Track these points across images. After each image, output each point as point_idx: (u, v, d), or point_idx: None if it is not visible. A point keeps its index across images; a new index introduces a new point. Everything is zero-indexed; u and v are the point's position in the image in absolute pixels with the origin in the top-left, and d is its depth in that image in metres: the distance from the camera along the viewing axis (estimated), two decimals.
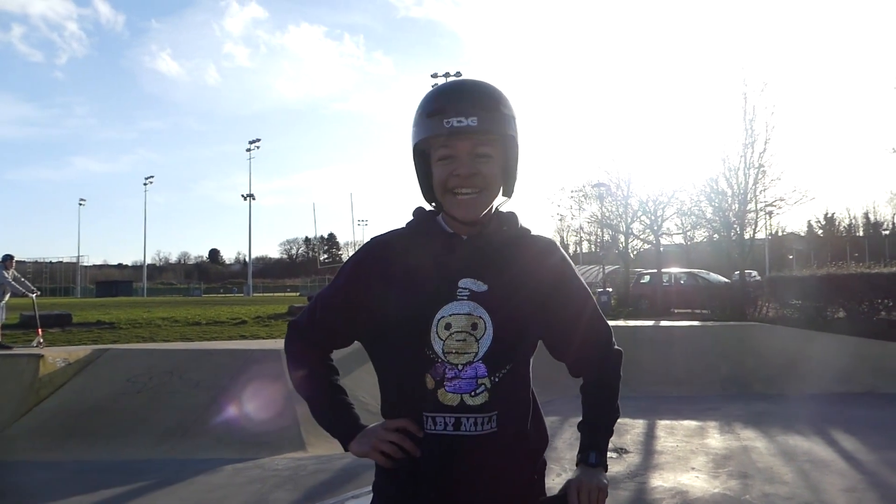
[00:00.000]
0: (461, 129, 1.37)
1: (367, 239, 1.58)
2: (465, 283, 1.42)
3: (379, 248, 1.49)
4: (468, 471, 1.36)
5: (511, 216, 1.51)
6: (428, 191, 1.46)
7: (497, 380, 1.37)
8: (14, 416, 6.96)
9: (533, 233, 1.53)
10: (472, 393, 1.36)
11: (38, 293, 12.55)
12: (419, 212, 1.50)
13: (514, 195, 1.52)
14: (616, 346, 1.57)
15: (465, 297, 1.40)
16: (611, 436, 1.53)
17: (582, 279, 1.56)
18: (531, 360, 1.48)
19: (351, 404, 1.49)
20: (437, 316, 1.38)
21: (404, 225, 1.51)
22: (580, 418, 1.54)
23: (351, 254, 1.60)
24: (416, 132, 1.43)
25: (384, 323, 1.43)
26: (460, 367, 1.36)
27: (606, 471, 1.48)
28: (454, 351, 1.37)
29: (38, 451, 6.37)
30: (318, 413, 1.49)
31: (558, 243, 1.56)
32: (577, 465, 1.47)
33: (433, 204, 1.48)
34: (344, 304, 1.50)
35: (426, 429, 1.37)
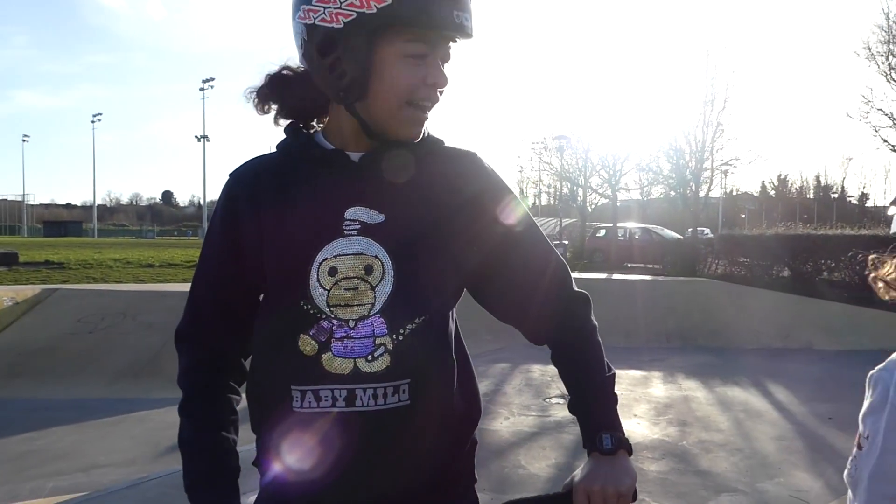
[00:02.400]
0: (461, 30, 1.04)
1: None
2: (354, 212, 1.07)
3: (244, 181, 1.13)
4: (370, 457, 1.04)
5: None
6: (359, 88, 1.04)
7: (400, 338, 1.04)
8: None
9: (447, 143, 1.17)
10: (369, 357, 1.03)
11: None
12: (293, 128, 1.15)
13: None
14: (577, 289, 1.19)
15: (355, 232, 1.06)
16: (617, 402, 1.12)
17: (521, 202, 1.20)
18: (454, 311, 1.16)
19: (229, 473, 1.11)
20: (318, 258, 1.05)
21: (274, 148, 1.16)
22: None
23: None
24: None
25: (259, 275, 1.10)
26: (351, 323, 1.04)
27: (631, 454, 1.08)
28: (342, 304, 1.04)
29: None
30: (187, 475, 1.10)
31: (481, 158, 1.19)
32: (588, 454, 1.07)
33: (329, 107, 1.12)
34: (226, 269, 1.12)
35: (301, 406, 1.03)
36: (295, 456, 1.06)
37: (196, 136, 55.02)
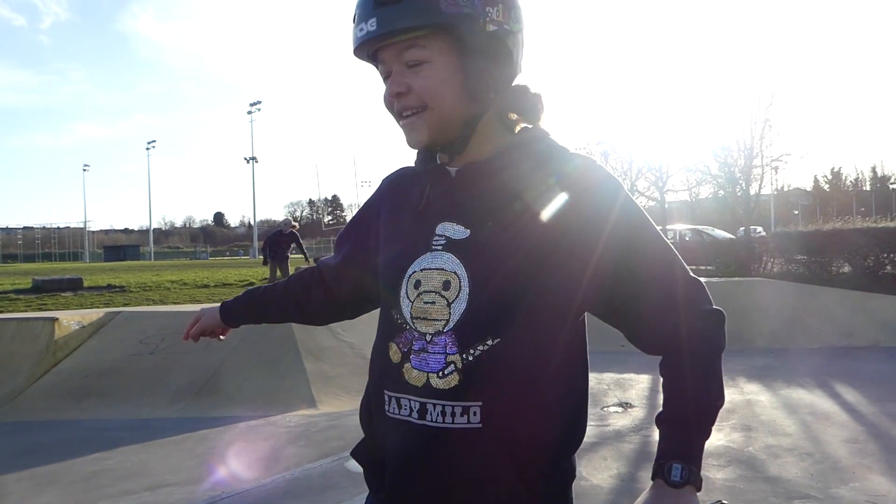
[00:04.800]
0: (364, 41, 1.06)
1: None
2: (443, 227, 1.09)
3: (385, 186, 1.28)
4: (436, 474, 1.05)
5: (535, 133, 1.14)
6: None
7: (471, 359, 1.01)
8: (32, 377, 7.12)
9: (571, 152, 1.13)
10: (440, 373, 1.02)
11: None
12: None
13: (508, 100, 1.12)
14: (713, 306, 1.09)
15: (440, 247, 1.08)
16: (708, 436, 1.03)
17: (649, 218, 1.12)
18: (564, 335, 1.07)
19: (257, 293, 1.47)
20: (409, 270, 1.09)
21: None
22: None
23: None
24: None
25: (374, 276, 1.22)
26: (428, 337, 1.05)
27: (699, 489, 0.98)
28: (421, 316, 1.06)
29: (57, 411, 6.54)
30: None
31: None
32: (652, 477, 1.01)
33: None
34: (350, 245, 1.31)
35: (388, 411, 1.09)
36: (382, 458, 1.13)
37: (245, 158, 56.45)
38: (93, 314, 8.39)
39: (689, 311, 1.07)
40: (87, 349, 7.61)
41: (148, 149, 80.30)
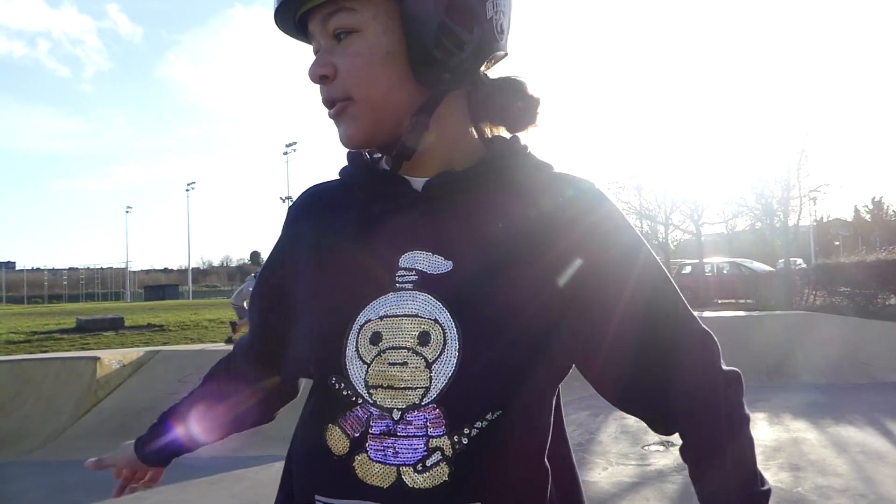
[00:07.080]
0: (281, 3, 0.80)
1: None
2: (412, 259, 0.77)
3: (296, 215, 0.91)
4: None
5: (511, 142, 0.84)
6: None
7: (465, 441, 0.72)
8: (74, 416, 7.25)
9: (556, 170, 0.85)
10: (418, 466, 0.72)
11: None
12: (356, 152, 0.88)
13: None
14: (726, 367, 0.86)
15: (410, 285, 0.76)
16: None
17: (653, 253, 0.84)
18: (556, 397, 0.84)
19: (170, 415, 1.10)
20: (360, 319, 0.76)
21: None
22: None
23: None
24: None
25: (290, 330, 0.87)
26: (396, 414, 0.73)
27: None
28: (384, 384, 0.74)
29: (98, 450, 6.58)
30: None
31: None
32: None
33: None
34: (269, 295, 0.92)
35: None
36: None
37: (281, 198, 57.42)
38: (133, 353, 8.54)
39: (715, 378, 0.86)
40: (128, 388, 7.74)
41: (188, 190, 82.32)
